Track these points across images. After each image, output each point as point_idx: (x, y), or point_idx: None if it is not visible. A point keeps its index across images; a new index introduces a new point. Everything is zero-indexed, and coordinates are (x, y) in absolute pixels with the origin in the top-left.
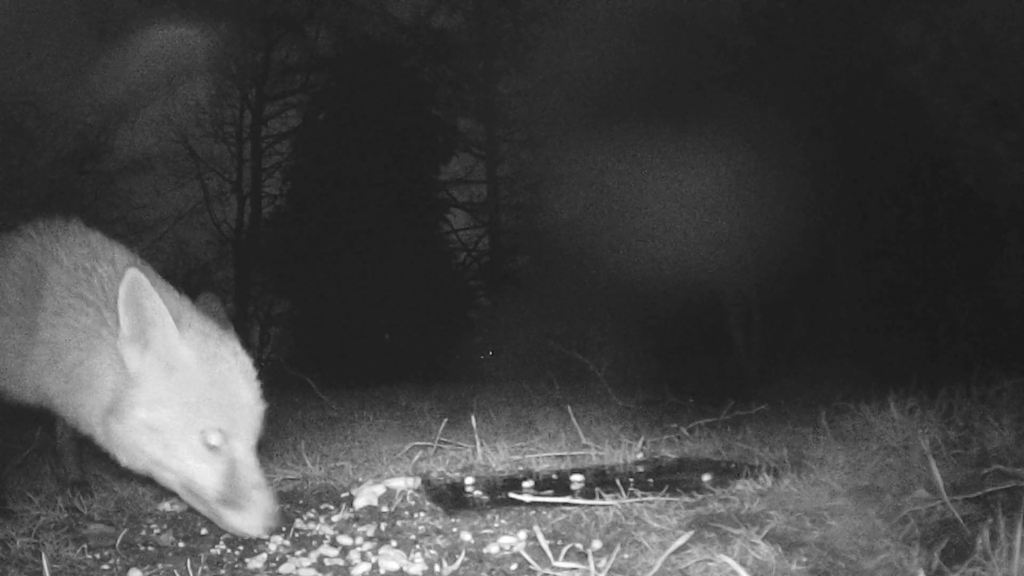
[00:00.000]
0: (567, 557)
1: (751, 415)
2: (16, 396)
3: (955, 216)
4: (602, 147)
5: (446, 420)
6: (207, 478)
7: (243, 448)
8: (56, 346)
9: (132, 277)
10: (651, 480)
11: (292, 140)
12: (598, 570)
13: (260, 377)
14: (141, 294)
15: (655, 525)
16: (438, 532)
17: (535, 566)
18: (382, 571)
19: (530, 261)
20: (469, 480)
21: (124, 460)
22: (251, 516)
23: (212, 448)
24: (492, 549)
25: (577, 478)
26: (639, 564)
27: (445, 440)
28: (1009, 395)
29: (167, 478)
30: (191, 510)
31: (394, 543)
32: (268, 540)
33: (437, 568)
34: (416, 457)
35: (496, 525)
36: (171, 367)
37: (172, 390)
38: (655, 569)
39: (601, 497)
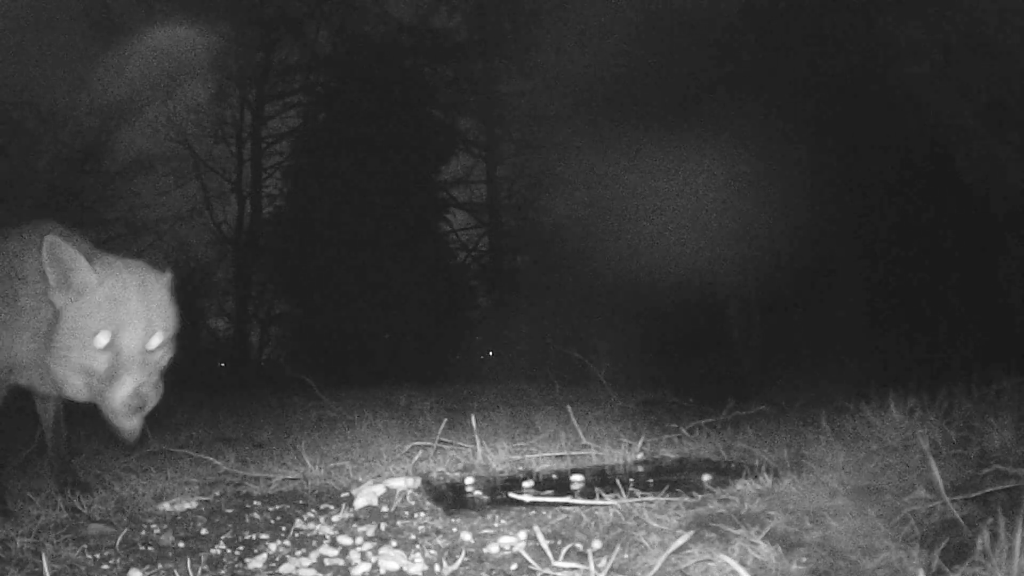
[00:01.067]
0: (567, 557)
1: (751, 415)
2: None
3: (955, 216)
4: (602, 147)
5: (446, 420)
6: (97, 366)
7: (127, 343)
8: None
9: (49, 240)
10: (651, 480)
11: (292, 140)
12: (598, 570)
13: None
14: (58, 250)
15: (655, 525)
16: (438, 532)
17: (535, 566)
18: (382, 571)
19: (530, 261)
20: (469, 480)
21: (67, 391)
22: (117, 394)
23: (102, 349)
24: (492, 549)
25: (577, 478)
26: (639, 564)
27: (445, 440)
28: (1009, 395)
29: (91, 385)
30: (191, 510)
31: (394, 543)
32: (268, 539)
33: (437, 568)
34: (416, 457)
35: (496, 525)
36: (80, 293)
37: (76, 308)
38: (655, 569)
39: (601, 497)
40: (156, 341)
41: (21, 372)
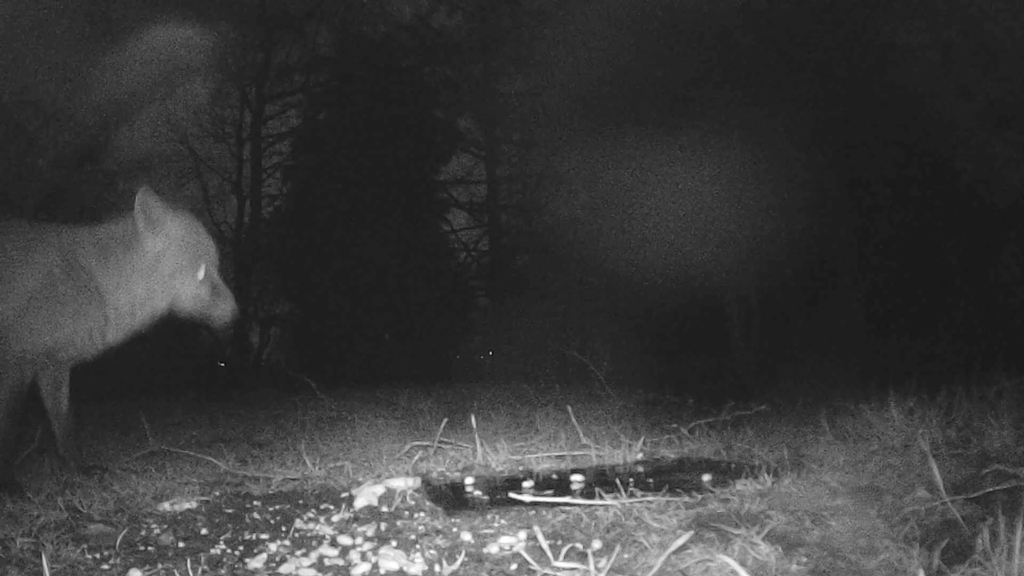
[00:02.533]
0: (567, 557)
1: (751, 415)
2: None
3: (955, 216)
4: (602, 147)
5: (446, 420)
6: (202, 295)
7: (217, 276)
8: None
9: (143, 192)
10: (651, 480)
11: (292, 140)
12: (598, 570)
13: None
14: (149, 202)
15: (655, 525)
16: (438, 532)
17: (535, 566)
18: (382, 571)
19: (530, 261)
20: (469, 480)
21: (155, 301)
22: (227, 303)
23: (200, 281)
24: (492, 549)
25: (577, 478)
26: (639, 564)
27: (445, 440)
28: (1009, 395)
29: (179, 306)
30: (191, 510)
31: (394, 543)
32: (268, 539)
33: (437, 568)
34: (416, 457)
35: (496, 525)
36: (173, 237)
37: (177, 249)
38: (655, 569)
39: (601, 497)
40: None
41: (63, 350)
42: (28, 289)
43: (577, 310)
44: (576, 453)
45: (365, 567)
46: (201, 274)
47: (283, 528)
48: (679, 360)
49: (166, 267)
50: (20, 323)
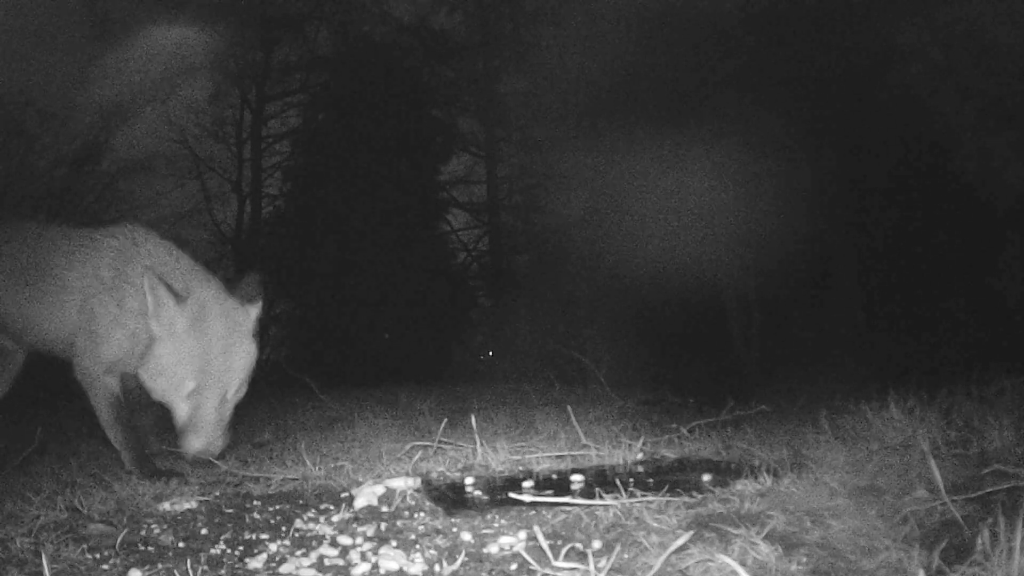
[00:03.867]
0: (567, 557)
1: (751, 415)
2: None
3: (955, 216)
4: (602, 147)
5: (446, 420)
6: (180, 412)
7: (206, 400)
8: (136, 319)
9: (149, 275)
10: (651, 480)
11: (292, 140)
12: (598, 570)
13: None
14: (156, 285)
15: (655, 525)
16: (438, 532)
17: (535, 566)
18: (382, 571)
19: (530, 261)
20: (469, 480)
21: (152, 395)
22: (192, 442)
23: (186, 395)
24: (492, 549)
25: (577, 478)
26: (639, 564)
27: (445, 440)
28: (1009, 395)
29: (167, 406)
30: (191, 510)
31: (394, 543)
32: (268, 540)
33: (437, 568)
34: (416, 457)
35: (496, 525)
36: (171, 334)
37: (168, 350)
38: (655, 569)
39: (601, 497)
40: (234, 389)
41: (128, 360)
42: (106, 300)
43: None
44: (576, 453)
45: (365, 567)
46: (185, 390)
47: (283, 528)
48: (679, 360)
49: (161, 354)
50: (100, 334)
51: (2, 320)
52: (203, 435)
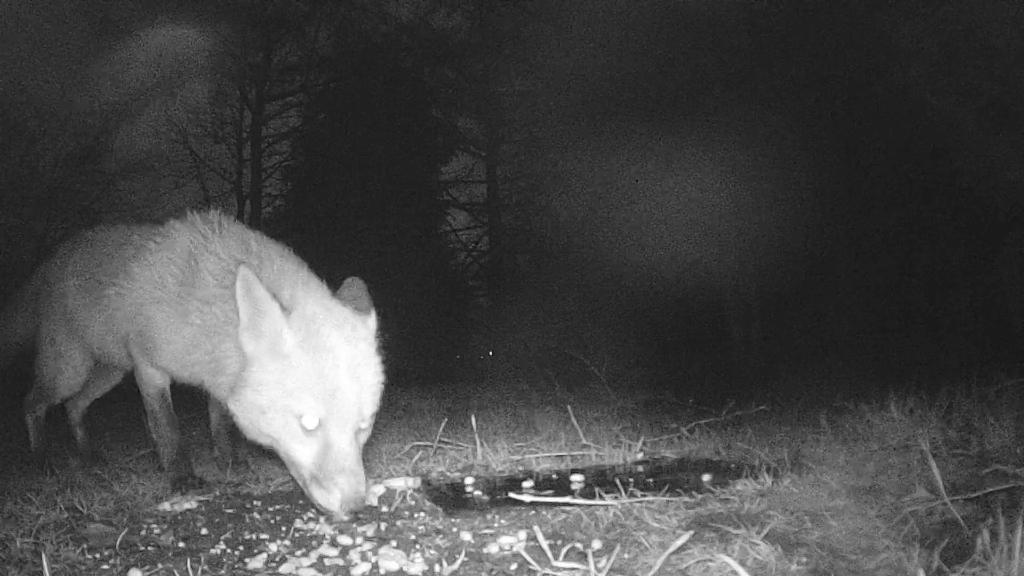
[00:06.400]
0: (567, 557)
1: (751, 415)
2: (174, 374)
3: (955, 216)
4: (602, 147)
5: (446, 420)
6: (301, 456)
7: (338, 433)
8: (202, 329)
9: (244, 274)
10: (651, 480)
11: (292, 140)
12: (598, 570)
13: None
14: (252, 288)
15: (655, 525)
16: (438, 532)
17: (535, 566)
18: (382, 571)
19: (530, 261)
20: (469, 480)
21: (247, 435)
22: (332, 496)
23: (308, 431)
24: (492, 549)
25: (577, 478)
26: (639, 564)
27: (445, 440)
28: (1009, 395)
29: (277, 451)
30: (191, 510)
31: (394, 543)
32: (268, 540)
33: (437, 568)
34: (416, 457)
35: (496, 525)
36: (276, 353)
37: (276, 374)
38: (655, 569)
39: (601, 497)
40: (367, 421)
41: (182, 374)
42: (166, 308)
43: (577, 310)
44: (576, 453)
45: (365, 567)
46: (311, 423)
47: (283, 528)
48: (679, 360)
49: (264, 381)
50: (157, 342)
51: (83, 334)
52: (346, 481)
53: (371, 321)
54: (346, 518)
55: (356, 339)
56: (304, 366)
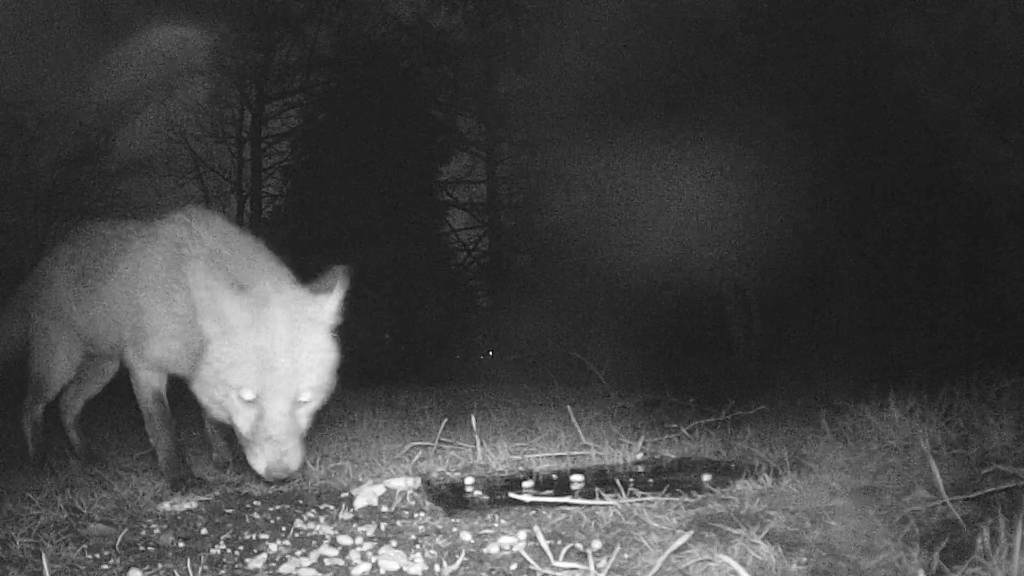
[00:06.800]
0: (567, 557)
1: (751, 415)
2: (167, 367)
3: (955, 216)
4: (602, 147)
5: (446, 420)
6: (240, 425)
7: (271, 405)
8: (187, 319)
9: (194, 267)
10: (651, 480)
11: (292, 140)
12: (598, 570)
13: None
14: (205, 277)
15: (655, 525)
16: (438, 532)
17: (535, 566)
18: (382, 571)
19: (530, 261)
20: (469, 480)
21: (208, 412)
22: (259, 461)
23: (246, 402)
24: (492, 549)
25: (577, 478)
26: (639, 564)
27: (445, 440)
28: (1009, 395)
29: (230, 421)
30: (191, 510)
31: (394, 543)
32: (268, 539)
33: (437, 568)
34: (416, 457)
35: (496, 525)
36: (225, 333)
37: (223, 351)
38: (655, 569)
39: (601, 497)
40: (307, 395)
41: (173, 364)
42: (154, 297)
43: (577, 310)
44: (576, 453)
45: (365, 567)
46: (248, 395)
47: (283, 528)
48: (679, 360)
49: (215, 357)
50: (148, 332)
51: (73, 324)
52: (271, 449)
53: (328, 302)
54: (270, 481)
55: (301, 318)
56: (246, 342)
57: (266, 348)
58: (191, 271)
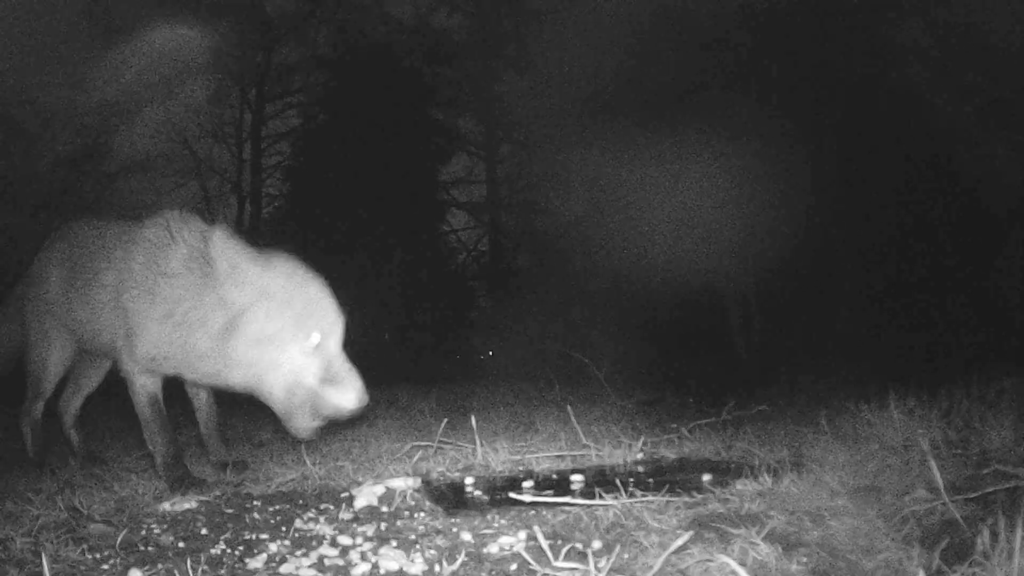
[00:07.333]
0: (567, 557)
1: (751, 415)
2: (159, 365)
3: (955, 216)
4: (602, 147)
5: (446, 420)
6: (311, 368)
7: (334, 342)
8: (174, 313)
9: (219, 234)
10: (651, 480)
11: (292, 140)
12: (598, 570)
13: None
14: (230, 244)
15: (655, 525)
16: (438, 532)
17: (535, 566)
18: (382, 571)
19: (530, 261)
20: (469, 480)
21: (232, 381)
22: (348, 390)
23: (312, 350)
24: (492, 549)
25: (577, 478)
26: (639, 564)
27: (445, 440)
28: (1009, 395)
29: (271, 381)
30: (191, 510)
31: (394, 543)
32: (268, 539)
33: (437, 568)
34: (416, 457)
35: (496, 525)
36: (266, 294)
37: (276, 309)
38: (655, 569)
39: (601, 497)
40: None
41: (165, 362)
42: (137, 296)
43: (577, 310)
44: (576, 453)
45: (365, 567)
46: (316, 338)
47: (283, 528)
48: (679, 360)
49: (256, 329)
50: (135, 331)
51: (62, 322)
52: (351, 378)
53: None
54: (358, 407)
55: (319, 281)
56: (296, 298)
57: (321, 301)
58: (215, 240)
